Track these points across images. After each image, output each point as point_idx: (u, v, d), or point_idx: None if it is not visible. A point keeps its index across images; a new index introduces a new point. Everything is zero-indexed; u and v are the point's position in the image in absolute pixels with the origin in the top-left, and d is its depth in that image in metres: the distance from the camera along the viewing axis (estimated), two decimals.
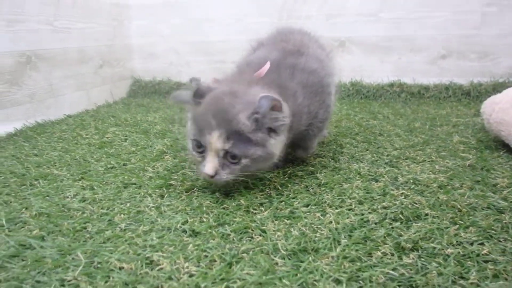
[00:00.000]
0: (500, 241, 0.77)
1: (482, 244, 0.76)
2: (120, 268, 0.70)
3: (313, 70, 1.13)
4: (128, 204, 0.95)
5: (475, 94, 2.15)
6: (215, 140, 0.92)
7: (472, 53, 2.20)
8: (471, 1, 2.13)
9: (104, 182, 1.08)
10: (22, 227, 0.85)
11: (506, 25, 2.12)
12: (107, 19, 2.40)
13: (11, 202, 0.97)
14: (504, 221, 0.83)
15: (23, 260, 0.73)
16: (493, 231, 0.80)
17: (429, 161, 1.20)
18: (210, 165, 0.93)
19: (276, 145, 0.98)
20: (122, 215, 0.89)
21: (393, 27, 2.26)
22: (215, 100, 0.95)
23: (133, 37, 2.64)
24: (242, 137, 0.93)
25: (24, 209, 0.93)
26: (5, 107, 1.64)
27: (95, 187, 1.05)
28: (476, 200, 0.92)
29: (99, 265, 0.71)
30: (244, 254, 0.73)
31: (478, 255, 0.72)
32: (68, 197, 1.00)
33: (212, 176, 0.94)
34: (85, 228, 0.84)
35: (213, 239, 0.78)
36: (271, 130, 0.96)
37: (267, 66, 1.06)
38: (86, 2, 2.18)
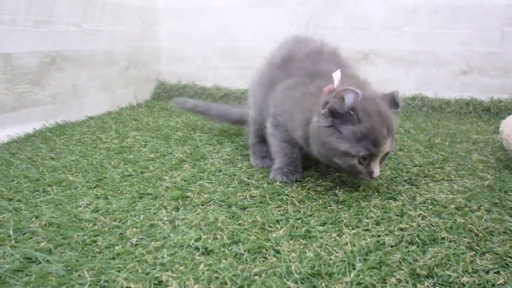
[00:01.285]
0: None
1: (498, 272, 0.74)
2: None
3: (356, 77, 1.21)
4: (141, 217, 0.93)
5: (495, 111, 2.14)
6: (388, 147, 1.02)
7: (493, 69, 2.19)
8: (492, 20, 2.13)
9: (119, 191, 1.07)
10: (30, 238, 0.83)
11: None
12: (137, 22, 2.41)
13: (21, 209, 0.96)
14: None
15: (27, 275, 0.71)
16: (509, 259, 0.78)
17: (447, 180, 1.18)
18: (378, 169, 1.03)
19: None
20: (134, 229, 0.87)
21: (416, 41, 2.26)
22: (377, 112, 1.01)
23: (161, 40, 2.65)
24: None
25: (34, 218, 0.91)
26: (26, 107, 1.64)
27: (109, 197, 1.04)
28: (493, 224, 0.90)
29: (105, 284, 0.68)
30: (256, 277, 0.71)
31: (493, 285, 0.71)
32: (80, 206, 0.98)
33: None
34: (95, 241, 0.82)
35: (226, 259, 0.76)
36: None
37: (339, 75, 1.09)
38: (115, 5, 2.18)
